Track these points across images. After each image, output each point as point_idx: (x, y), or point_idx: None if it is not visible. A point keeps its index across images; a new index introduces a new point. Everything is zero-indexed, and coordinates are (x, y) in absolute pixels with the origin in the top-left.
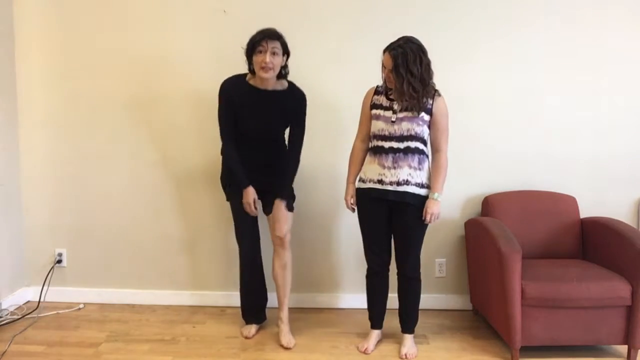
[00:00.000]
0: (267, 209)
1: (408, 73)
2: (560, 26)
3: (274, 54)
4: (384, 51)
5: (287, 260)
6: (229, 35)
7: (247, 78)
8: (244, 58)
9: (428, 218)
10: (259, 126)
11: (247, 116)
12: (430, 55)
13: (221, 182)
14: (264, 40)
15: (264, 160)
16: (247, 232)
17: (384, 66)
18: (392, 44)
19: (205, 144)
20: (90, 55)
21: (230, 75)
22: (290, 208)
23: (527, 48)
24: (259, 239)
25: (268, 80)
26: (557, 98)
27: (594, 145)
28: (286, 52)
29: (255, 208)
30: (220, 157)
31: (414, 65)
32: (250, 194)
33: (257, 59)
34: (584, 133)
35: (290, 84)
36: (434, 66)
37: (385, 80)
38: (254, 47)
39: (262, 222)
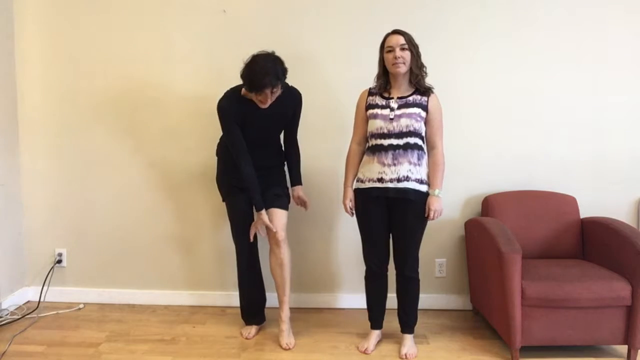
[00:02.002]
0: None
1: (416, 48)
2: (560, 26)
3: (272, 93)
4: (387, 36)
5: (283, 258)
6: (228, 35)
7: (243, 93)
8: (243, 59)
9: (431, 215)
10: (262, 134)
11: (251, 128)
12: (430, 56)
13: (217, 183)
14: (263, 92)
15: (264, 163)
16: (243, 232)
17: (389, 49)
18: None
19: (204, 144)
20: (89, 55)
21: (227, 77)
22: (284, 207)
23: (527, 48)
24: (256, 239)
25: None
26: (557, 98)
27: (594, 145)
28: (284, 79)
29: (264, 234)
30: (216, 158)
31: (415, 44)
32: (264, 220)
33: (256, 97)
34: (584, 133)
35: (284, 85)
36: (434, 66)
37: (387, 65)
38: (253, 90)
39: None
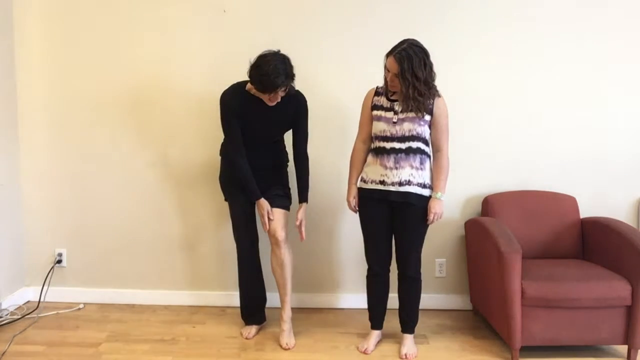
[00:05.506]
0: None
1: (413, 77)
2: (560, 26)
3: (284, 91)
4: (388, 55)
5: (284, 259)
6: (229, 35)
7: (247, 88)
8: (244, 58)
9: (431, 217)
10: (261, 133)
11: (251, 125)
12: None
13: (220, 183)
14: (273, 91)
15: (264, 162)
16: (245, 232)
17: (387, 69)
18: (395, 47)
19: (205, 143)
20: (90, 55)
21: (227, 76)
22: (285, 206)
23: (528, 48)
24: (257, 239)
25: None
26: (557, 98)
27: (594, 145)
28: (294, 77)
29: (269, 219)
30: (219, 158)
31: (419, 69)
32: (264, 206)
33: (264, 95)
34: (584, 133)
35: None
36: (434, 66)
37: (387, 82)
38: (266, 91)
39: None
